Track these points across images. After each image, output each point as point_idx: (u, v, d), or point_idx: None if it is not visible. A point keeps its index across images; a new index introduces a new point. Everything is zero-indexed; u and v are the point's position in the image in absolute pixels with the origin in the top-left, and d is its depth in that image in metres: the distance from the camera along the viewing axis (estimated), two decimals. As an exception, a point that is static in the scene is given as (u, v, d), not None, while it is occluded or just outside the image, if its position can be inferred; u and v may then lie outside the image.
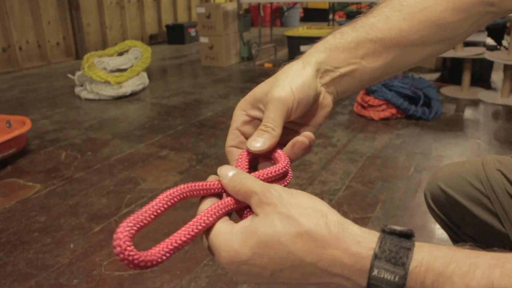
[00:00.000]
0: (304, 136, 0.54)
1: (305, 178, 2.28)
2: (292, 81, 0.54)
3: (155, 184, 2.30)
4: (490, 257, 0.37)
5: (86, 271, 1.63)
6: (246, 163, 0.53)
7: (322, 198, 1.78)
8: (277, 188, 0.44)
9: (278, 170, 0.51)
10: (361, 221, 1.90)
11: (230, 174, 0.49)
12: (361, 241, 0.39)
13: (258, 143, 0.52)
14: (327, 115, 0.59)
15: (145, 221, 0.45)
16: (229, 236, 0.44)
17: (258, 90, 0.56)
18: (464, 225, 0.90)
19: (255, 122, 0.57)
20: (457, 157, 2.58)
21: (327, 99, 0.59)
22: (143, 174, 2.43)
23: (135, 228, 0.43)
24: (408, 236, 0.39)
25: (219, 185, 0.50)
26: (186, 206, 2.06)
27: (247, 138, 0.57)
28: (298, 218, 0.40)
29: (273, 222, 0.41)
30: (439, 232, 1.80)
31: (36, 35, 5.58)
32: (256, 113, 0.57)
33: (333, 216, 0.41)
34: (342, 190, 2.18)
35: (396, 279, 0.36)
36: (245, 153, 0.54)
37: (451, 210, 0.91)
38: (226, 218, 0.48)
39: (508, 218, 0.81)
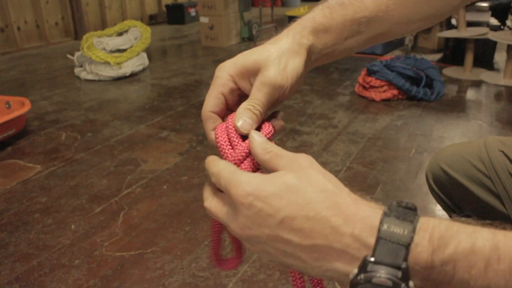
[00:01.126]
0: (282, 119, 0.56)
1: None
2: (288, 65, 0.54)
3: (155, 165, 2.30)
4: (492, 227, 0.38)
5: (87, 251, 1.64)
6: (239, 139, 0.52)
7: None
8: (309, 157, 0.46)
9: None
10: (362, 202, 1.90)
11: (262, 139, 0.49)
12: (372, 206, 0.40)
13: (246, 123, 0.51)
14: (297, 90, 0.59)
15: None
16: (254, 175, 0.44)
17: (250, 60, 0.54)
18: (466, 206, 0.90)
19: (239, 91, 0.56)
20: (459, 139, 2.57)
21: (303, 77, 0.59)
22: (143, 155, 2.43)
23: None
24: (412, 209, 0.40)
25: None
26: (187, 188, 2.07)
27: (227, 105, 0.56)
28: (325, 181, 0.42)
29: (301, 176, 0.42)
30: (440, 213, 1.79)
31: (34, 15, 5.52)
32: (244, 85, 0.55)
33: (352, 193, 0.43)
34: (343, 171, 2.18)
35: (405, 232, 0.37)
36: (232, 130, 0.52)
37: (453, 191, 0.90)
38: None
39: (510, 199, 0.80)
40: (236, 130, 0.51)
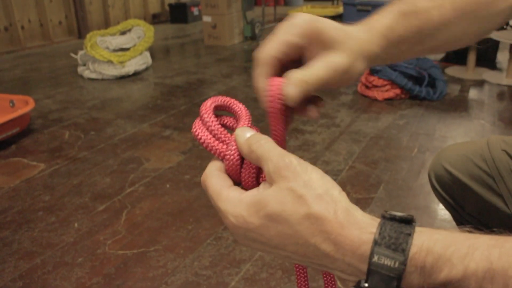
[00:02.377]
0: (317, 112, 0.53)
1: (308, 158, 2.28)
2: (355, 62, 0.52)
3: (158, 164, 2.30)
4: (489, 238, 0.37)
5: (91, 249, 1.65)
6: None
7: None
8: (293, 160, 0.43)
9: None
10: (364, 202, 1.91)
11: (248, 135, 0.47)
12: (363, 227, 0.39)
13: (296, 97, 0.48)
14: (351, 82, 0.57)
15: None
16: (238, 203, 0.44)
17: (330, 32, 0.51)
18: (468, 205, 0.90)
19: (299, 49, 0.51)
20: (461, 138, 2.57)
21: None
22: (146, 153, 2.44)
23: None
24: (408, 221, 0.39)
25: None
26: (189, 186, 2.07)
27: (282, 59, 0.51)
28: (308, 199, 0.40)
29: (284, 199, 0.41)
30: (442, 212, 1.80)
31: (38, 14, 5.54)
32: (312, 49, 0.51)
33: (342, 203, 0.41)
34: (345, 171, 2.18)
35: (396, 265, 0.37)
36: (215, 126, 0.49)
37: (455, 190, 0.91)
38: (234, 186, 0.47)
39: (512, 198, 0.81)
40: (280, 97, 0.48)
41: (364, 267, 0.38)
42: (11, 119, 2.50)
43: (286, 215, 0.40)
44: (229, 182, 0.47)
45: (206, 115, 0.49)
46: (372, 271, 0.37)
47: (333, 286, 0.52)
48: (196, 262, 1.57)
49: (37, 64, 4.64)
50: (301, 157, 0.44)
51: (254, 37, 5.57)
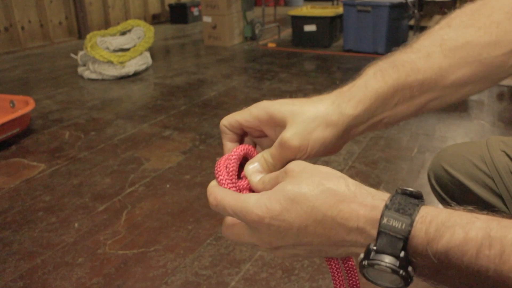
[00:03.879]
0: None
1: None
2: (314, 133, 0.52)
3: (158, 164, 2.31)
4: (489, 214, 0.40)
5: (91, 250, 1.65)
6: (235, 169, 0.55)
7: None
8: (298, 161, 0.49)
9: None
10: (364, 202, 1.91)
11: (257, 178, 0.53)
12: (375, 195, 0.44)
13: (256, 173, 0.54)
14: (339, 149, 0.58)
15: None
16: (258, 197, 0.47)
17: (280, 112, 0.53)
18: (467, 206, 0.90)
19: (259, 132, 0.58)
20: (461, 138, 2.57)
21: (342, 142, 0.57)
22: (146, 154, 2.44)
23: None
24: (417, 196, 0.43)
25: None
26: (190, 186, 2.07)
27: (244, 130, 0.58)
28: (321, 179, 0.45)
29: (299, 182, 0.45)
30: (442, 212, 1.80)
31: (38, 15, 5.54)
32: (269, 131, 0.56)
33: (351, 180, 0.46)
34: (345, 171, 2.18)
35: (403, 226, 0.40)
36: (236, 156, 0.55)
37: (455, 191, 0.91)
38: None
39: (511, 199, 0.81)
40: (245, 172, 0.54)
41: (374, 231, 0.41)
42: (11, 120, 2.50)
43: (303, 193, 0.44)
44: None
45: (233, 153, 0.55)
46: (381, 233, 0.41)
47: (339, 273, 0.54)
48: (196, 262, 1.57)
49: (37, 65, 4.64)
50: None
51: (254, 38, 5.58)
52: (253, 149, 0.58)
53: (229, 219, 0.54)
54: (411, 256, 0.40)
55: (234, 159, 0.54)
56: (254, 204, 0.46)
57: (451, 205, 0.93)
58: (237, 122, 0.57)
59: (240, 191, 0.52)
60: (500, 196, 0.83)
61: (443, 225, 0.39)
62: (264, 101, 0.56)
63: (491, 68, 0.57)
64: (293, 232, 0.45)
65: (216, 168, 0.55)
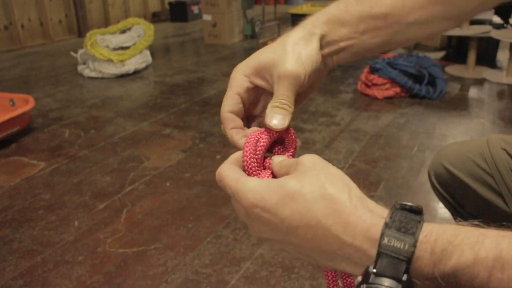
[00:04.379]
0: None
1: (308, 157, 2.28)
2: (301, 54, 0.53)
3: (158, 162, 2.31)
4: (498, 230, 0.37)
5: (91, 248, 1.65)
6: (265, 146, 0.52)
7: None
8: (314, 155, 0.47)
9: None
10: (364, 200, 1.91)
11: (279, 159, 0.51)
12: (374, 212, 0.41)
13: (278, 120, 0.52)
14: (320, 84, 0.59)
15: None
16: (258, 184, 0.45)
17: (263, 57, 0.55)
18: (468, 204, 0.90)
19: (256, 90, 0.57)
20: (461, 137, 2.57)
21: (323, 70, 0.58)
22: (146, 152, 2.44)
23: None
24: (417, 212, 0.40)
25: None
26: (190, 185, 2.07)
27: (245, 105, 0.57)
28: (325, 182, 0.42)
29: (303, 180, 0.43)
30: (442, 211, 1.80)
31: (38, 13, 5.53)
32: (260, 82, 0.55)
33: (356, 191, 0.43)
34: (345, 169, 2.18)
35: (406, 247, 0.37)
36: (262, 134, 0.53)
37: (455, 189, 0.91)
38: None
39: (512, 197, 0.81)
40: (270, 128, 0.52)
41: (373, 251, 0.38)
42: (11, 118, 2.50)
43: (303, 193, 0.42)
44: (245, 174, 0.49)
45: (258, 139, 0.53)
46: (382, 254, 0.37)
47: (335, 283, 0.52)
48: (196, 261, 1.57)
49: (37, 63, 4.64)
50: (301, 155, 0.46)
51: (254, 36, 5.57)
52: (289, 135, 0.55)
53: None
54: (415, 278, 0.37)
55: (266, 138, 0.52)
56: (251, 189, 0.45)
57: (451, 203, 0.93)
58: (235, 95, 0.55)
59: (263, 169, 0.52)
60: (500, 194, 0.83)
61: (450, 244, 0.36)
62: (238, 64, 0.56)
63: (454, 9, 0.58)
64: (283, 229, 0.43)
65: (247, 140, 0.52)
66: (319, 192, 0.42)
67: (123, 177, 2.16)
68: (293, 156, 0.54)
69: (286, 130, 0.53)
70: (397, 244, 0.37)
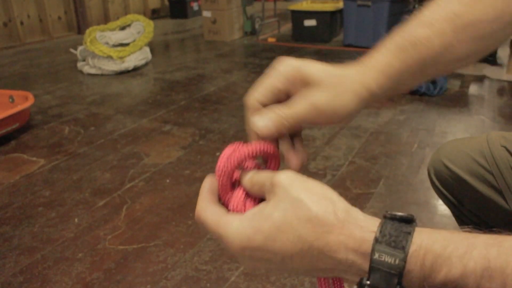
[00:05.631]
0: (301, 159, 0.54)
1: (308, 153, 2.27)
2: (339, 98, 0.50)
3: (158, 159, 2.31)
4: (487, 237, 0.38)
5: (91, 245, 1.65)
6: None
7: (325, 174, 1.79)
8: (288, 172, 0.45)
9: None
10: (364, 197, 1.91)
11: (248, 176, 0.49)
12: (363, 226, 0.40)
13: (268, 131, 0.50)
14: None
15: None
16: (240, 224, 0.44)
17: (311, 69, 0.50)
18: (467, 201, 0.90)
19: (285, 94, 0.52)
20: (461, 134, 2.57)
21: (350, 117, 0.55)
22: (146, 149, 2.44)
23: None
24: (408, 221, 0.40)
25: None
26: (189, 181, 2.07)
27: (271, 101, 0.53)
28: (308, 203, 0.41)
29: (285, 206, 0.42)
30: (442, 208, 1.80)
31: (37, 9, 5.52)
32: (293, 89, 0.51)
33: (341, 204, 0.42)
34: (345, 166, 2.18)
35: (396, 262, 0.37)
36: (239, 145, 0.50)
37: (455, 186, 0.91)
38: (230, 212, 0.48)
39: (511, 194, 0.81)
40: (255, 129, 0.50)
41: (366, 265, 0.39)
42: (10, 115, 2.49)
43: (289, 222, 0.41)
44: (223, 210, 0.48)
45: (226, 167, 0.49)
46: (374, 269, 0.38)
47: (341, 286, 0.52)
48: (196, 257, 1.57)
49: (37, 60, 4.63)
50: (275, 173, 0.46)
51: (254, 32, 5.56)
52: (272, 148, 0.51)
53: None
54: None
55: (243, 151, 0.49)
56: (234, 233, 0.44)
57: (451, 201, 0.92)
58: (275, 88, 0.51)
59: (236, 187, 0.50)
60: (500, 192, 0.83)
61: (439, 258, 0.37)
62: (288, 58, 0.52)
63: (490, 42, 0.58)
64: (277, 260, 0.43)
65: (222, 152, 0.50)
66: (304, 216, 0.41)
67: (123, 174, 2.16)
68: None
69: (269, 147, 0.50)
70: (388, 259, 0.38)
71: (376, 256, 0.38)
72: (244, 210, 0.48)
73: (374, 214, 0.41)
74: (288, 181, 0.44)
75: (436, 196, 1.00)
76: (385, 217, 0.41)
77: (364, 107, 0.54)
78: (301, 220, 0.41)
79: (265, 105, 0.52)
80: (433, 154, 0.98)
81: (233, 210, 0.48)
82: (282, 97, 0.52)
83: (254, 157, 0.50)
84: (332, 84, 0.50)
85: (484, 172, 0.85)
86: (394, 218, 0.40)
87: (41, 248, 1.63)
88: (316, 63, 0.52)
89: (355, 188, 1.98)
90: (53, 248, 1.63)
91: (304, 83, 0.50)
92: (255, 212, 0.44)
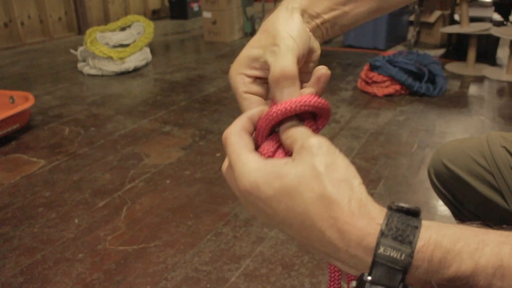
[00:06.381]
0: (324, 69, 0.53)
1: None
2: (289, 29, 0.51)
3: (158, 160, 2.31)
4: (499, 234, 0.36)
5: (91, 245, 1.65)
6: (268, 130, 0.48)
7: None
8: (321, 138, 0.43)
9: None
10: (364, 198, 1.91)
11: (287, 126, 0.47)
12: (371, 218, 0.38)
13: (289, 94, 0.48)
14: (318, 59, 0.56)
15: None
16: (257, 169, 0.42)
17: (254, 50, 0.52)
18: (467, 201, 0.90)
19: (258, 81, 0.52)
20: (461, 134, 2.57)
21: (315, 43, 0.56)
22: (146, 149, 2.44)
23: None
24: (415, 214, 0.38)
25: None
26: (190, 182, 2.07)
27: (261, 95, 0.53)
28: (325, 180, 0.39)
29: (303, 174, 0.40)
30: (442, 208, 1.80)
31: (37, 10, 5.52)
32: (257, 73, 0.52)
33: (359, 193, 0.40)
34: (345, 167, 2.18)
35: (403, 257, 0.36)
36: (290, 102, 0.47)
37: (455, 186, 0.91)
38: (256, 151, 0.46)
39: (511, 194, 0.81)
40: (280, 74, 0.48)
41: (368, 259, 0.37)
42: (11, 115, 2.50)
43: (301, 191, 0.39)
44: (251, 145, 0.46)
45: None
46: (377, 263, 0.36)
47: (338, 279, 0.51)
48: (196, 258, 1.57)
49: (37, 60, 4.63)
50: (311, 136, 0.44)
51: (254, 33, 5.53)
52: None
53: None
54: (411, 286, 0.36)
55: (290, 106, 0.46)
56: (247, 173, 0.42)
57: (451, 201, 0.92)
58: (245, 94, 0.51)
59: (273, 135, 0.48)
60: (500, 192, 0.83)
61: (448, 253, 0.35)
62: (231, 66, 0.53)
63: None
64: (277, 220, 0.42)
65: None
66: (317, 192, 0.39)
67: (123, 175, 2.16)
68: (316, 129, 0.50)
69: (322, 100, 0.49)
70: (394, 254, 0.36)
71: (381, 250, 0.36)
72: (273, 157, 0.46)
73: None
74: (317, 149, 0.41)
75: (436, 196, 1.00)
76: (390, 208, 0.39)
77: (320, 30, 0.56)
78: (313, 193, 0.39)
79: (249, 76, 0.52)
80: (433, 154, 0.98)
81: (261, 153, 0.46)
82: (261, 88, 0.53)
83: (306, 108, 0.48)
84: (277, 30, 0.51)
85: (484, 172, 0.85)
86: (400, 210, 0.38)
87: (41, 249, 1.64)
88: (250, 45, 0.54)
89: (355, 189, 1.98)
90: (53, 249, 1.63)
91: (257, 60, 0.51)
92: (275, 164, 0.42)
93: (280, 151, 0.47)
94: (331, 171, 0.40)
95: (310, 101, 0.47)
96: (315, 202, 0.39)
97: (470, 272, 0.35)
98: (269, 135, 0.48)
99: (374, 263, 0.36)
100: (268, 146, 0.47)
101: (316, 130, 0.51)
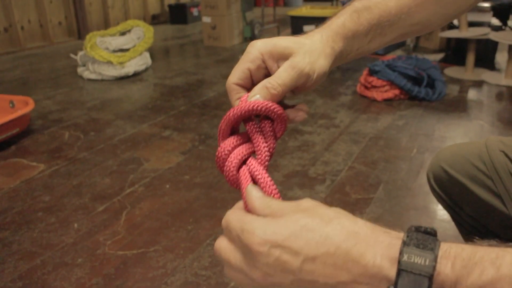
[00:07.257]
0: (304, 111, 0.58)
1: (307, 158, 2.28)
2: (317, 61, 0.56)
3: (158, 164, 2.31)
4: None
5: (90, 250, 1.65)
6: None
7: (324, 179, 1.79)
8: (310, 200, 0.46)
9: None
10: (363, 202, 1.91)
11: (258, 195, 0.49)
12: (389, 233, 0.40)
13: (253, 96, 0.55)
14: (316, 82, 0.60)
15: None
16: (265, 221, 0.43)
17: (283, 43, 0.56)
18: (467, 206, 0.90)
19: (264, 71, 0.58)
20: (460, 139, 2.57)
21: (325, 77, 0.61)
22: (146, 154, 2.44)
23: None
24: (432, 234, 0.39)
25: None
26: (189, 187, 2.07)
27: (253, 81, 0.58)
28: (335, 214, 0.42)
29: (312, 214, 0.42)
30: (441, 213, 1.80)
31: (37, 15, 5.54)
32: (271, 65, 0.56)
33: (363, 220, 0.42)
34: (345, 171, 2.19)
35: (427, 262, 0.36)
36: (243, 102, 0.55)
37: (454, 191, 0.91)
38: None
39: (510, 199, 0.81)
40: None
41: (393, 271, 0.37)
42: (11, 120, 2.50)
43: (317, 223, 0.41)
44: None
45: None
46: (402, 272, 0.37)
47: None
48: (196, 263, 1.57)
49: (37, 65, 4.64)
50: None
51: (253, 38, 5.57)
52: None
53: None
54: None
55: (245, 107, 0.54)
56: (259, 226, 0.42)
57: (450, 205, 0.93)
58: (246, 69, 0.56)
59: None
60: (499, 196, 0.83)
61: (470, 261, 0.36)
62: (257, 40, 0.57)
63: (451, 8, 0.63)
64: (296, 265, 0.40)
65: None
66: (333, 222, 0.41)
67: (123, 179, 2.16)
68: (270, 148, 0.55)
69: (277, 106, 0.54)
70: (418, 260, 0.36)
71: (405, 257, 0.37)
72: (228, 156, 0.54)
73: (374, 219, 0.41)
74: (312, 203, 0.45)
75: (435, 201, 1.00)
76: (410, 229, 0.40)
77: (335, 64, 0.61)
78: (331, 218, 0.41)
79: (243, 86, 0.58)
80: (432, 159, 0.98)
81: (221, 150, 0.55)
82: (261, 77, 0.57)
83: (259, 112, 0.54)
84: (307, 51, 0.56)
85: (483, 177, 0.85)
86: (419, 230, 0.40)
87: (41, 253, 1.63)
88: (285, 37, 0.57)
89: (354, 193, 1.98)
90: (52, 253, 1.63)
91: (282, 56, 0.55)
92: (283, 211, 0.44)
93: (237, 150, 0.55)
94: (334, 210, 0.44)
95: (254, 106, 0.54)
96: (334, 227, 0.41)
97: (493, 279, 0.35)
98: (230, 135, 0.57)
99: (399, 273, 0.37)
100: (225, 145, 0.56)
101: (274, 136, 0.56)
